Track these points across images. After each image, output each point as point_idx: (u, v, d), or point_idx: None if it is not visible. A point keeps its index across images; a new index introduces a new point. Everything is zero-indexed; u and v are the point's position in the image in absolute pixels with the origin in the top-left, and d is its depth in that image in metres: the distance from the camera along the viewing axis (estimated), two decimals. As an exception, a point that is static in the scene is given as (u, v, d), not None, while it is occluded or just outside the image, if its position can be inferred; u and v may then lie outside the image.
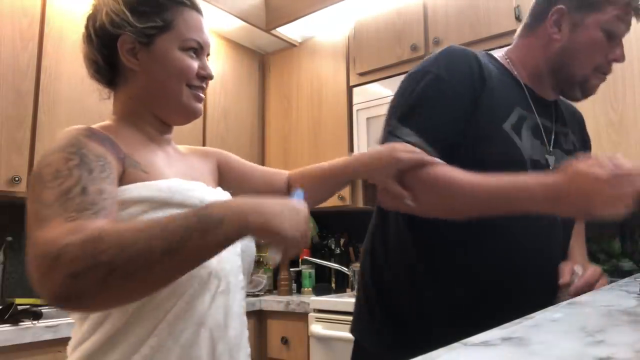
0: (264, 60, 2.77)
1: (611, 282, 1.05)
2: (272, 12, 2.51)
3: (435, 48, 2.08)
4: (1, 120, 1.71)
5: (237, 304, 0.79)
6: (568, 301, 0.73)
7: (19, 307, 1.52)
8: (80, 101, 1.96)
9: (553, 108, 1.01)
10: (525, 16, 1.97)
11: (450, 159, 0.84)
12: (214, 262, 0.72)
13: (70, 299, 0.56)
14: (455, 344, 0.46)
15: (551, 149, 0.94)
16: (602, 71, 0.97)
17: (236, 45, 2.62)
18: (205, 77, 0.83)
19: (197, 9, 0.84)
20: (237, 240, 0.63)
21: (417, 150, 0.83)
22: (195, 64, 0.80)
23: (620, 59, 0.96)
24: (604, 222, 1.93)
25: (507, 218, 0.79)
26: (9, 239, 1.93)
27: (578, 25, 0.94)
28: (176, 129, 0.90)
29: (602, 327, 0.53)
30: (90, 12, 0.84)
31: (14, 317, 1.47)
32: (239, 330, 0.79)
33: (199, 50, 0.82)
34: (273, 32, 2.53)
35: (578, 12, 0.93)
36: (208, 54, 0.86)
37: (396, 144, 0.85)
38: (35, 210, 0.62)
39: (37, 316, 1.48)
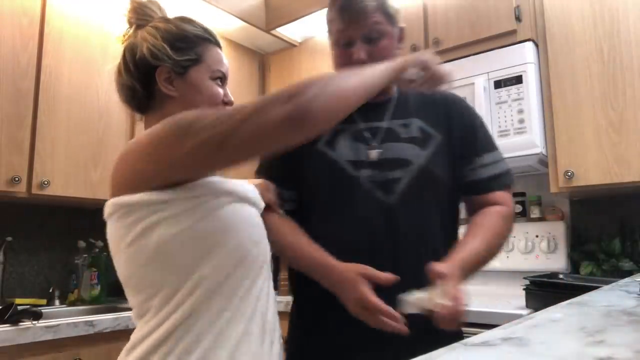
0: (264, 60, 2.77)
1: (611, 282, 1.05)
2: (272, 12, 2.51)
3: (435, 48, 2.07)
4: (1, 120, 1.71)
5: (272, 290, 0.92)
6: (568, 301, 0.73)
7: (19, 307, 1.52)
8: (80, 101, 1.96)
9: (386, 107, 1.06)
10: (525, 16, 1.98)
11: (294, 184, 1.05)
12: (267, 250, 0.88)
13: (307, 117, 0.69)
14: (456, 344, 0.46)
15: (378, 144, 1.01)
16: None
17: (236, 46, 2.62)
18: (227, 103, 0.94)
19: (219, 45, 0.97)
20: None
21: (271, 189, 1.02)
22: (221, 91, 0.93)
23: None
24: (603, 222, 1.93)
25: (345, 204, 0.98)
26: (9, 239, 1.93)
27: None
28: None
29: (602, 327, 0.53)
30: (127, 44, 0.94)
31: (14, 317, 1.46)
32: (275, 313, 0.90)
33: (223, 79, 0.95)
34: (273, 32, 2.53)
35: None
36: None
37: (266, 182, 1.03)
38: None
39: (37, 316, 1.48)
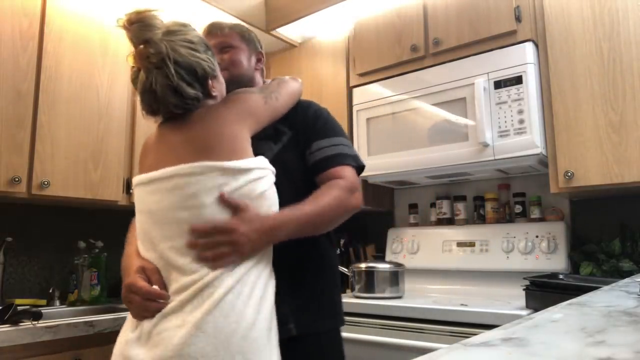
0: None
1: (611, 282, 1.05)
2: (272, 12, 2.51)
3: (435, 48, 2.07)
4: (1, 120, 1.71)
5: None
6: (568, 302, 0.73)
7: (19, 308, 1.52)
8: (80, 101, 1.96)
9: (290, 113, 1.26)
10: (525, 16, 1.99)
11: None
12: None
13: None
14: (456, 345, 0.46)
15: (274, 144, 1.23)
16: None
17: (236, 46, 2.62)
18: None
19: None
20: None
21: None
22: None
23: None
24: (603, 223, 1.93)
25: None
26: (9, 239, 1.93)
27: None
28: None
29: (602, 328, 0.53)
30: (184, 61, 1.03)
31: (14, 317, 1.46)
32: None
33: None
34: (273, 32, 2.53)
35: None
36: None
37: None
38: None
39: (37, 317, 1.48)
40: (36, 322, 1.47)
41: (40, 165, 1.80)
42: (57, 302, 2.04)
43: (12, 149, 1.73)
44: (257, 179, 1.03)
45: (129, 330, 1.01)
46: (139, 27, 1.00)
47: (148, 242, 1.03)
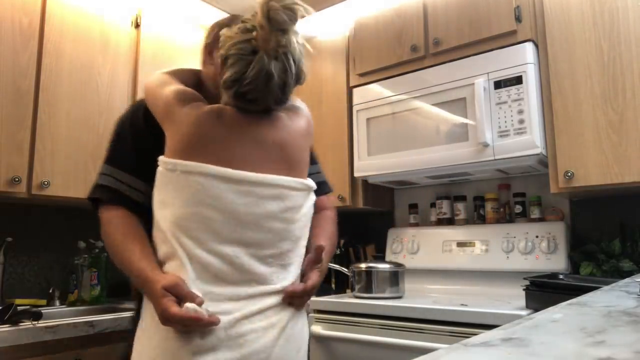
0: (264, 61, 2.77)
1: (611, 282, 1.05)
2: (272, 12, 2.50)
3: (435, 48, 2.07)
4: (1, 120, 1.71)
5: None
6: (568, 302, 0.73)
7: (19, 308, 1.52)
8: (81, 101, 1.96)
9: None
10: (525, 16, 1.99)
11: None
12: None
13: None
14: (456, 345, 0.46)
15: None
16: None
17: (236, 46, 2.62)
18: None
19: None
20: None
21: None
22: None
23: None
24: (603, 223, 1.93)
25: None
26: (9, 239, 1.93)
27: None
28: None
29: (602, 328, 0.53)
30: (300, 63, 1.01)
31: (14, 317, 1.46)
32: None
33: None
34: (273, 32, 2.53)
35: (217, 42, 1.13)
36: None
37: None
38: None
39: (37, 317, 1.48)
40: (36, 322, 1.47)
41: (40, 165, 1.80)
42: (57, 302, 2.04)
43: (12, 149, 1.73)
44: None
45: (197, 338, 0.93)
46: (288, 15, 0.95)
47: (210, 241, 0.96)
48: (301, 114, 1.13)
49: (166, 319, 0.89)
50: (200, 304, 0.90)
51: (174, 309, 0.88)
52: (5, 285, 1.94)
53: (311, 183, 1.09)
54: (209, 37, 1.20)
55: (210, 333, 0.91)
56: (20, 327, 1.44)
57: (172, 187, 0.98)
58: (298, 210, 1.04)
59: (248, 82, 0.97)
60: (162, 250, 0.99)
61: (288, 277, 1.02)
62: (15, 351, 1.41)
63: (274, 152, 1.03)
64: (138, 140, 1.13)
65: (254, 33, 0.96)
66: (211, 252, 0.96)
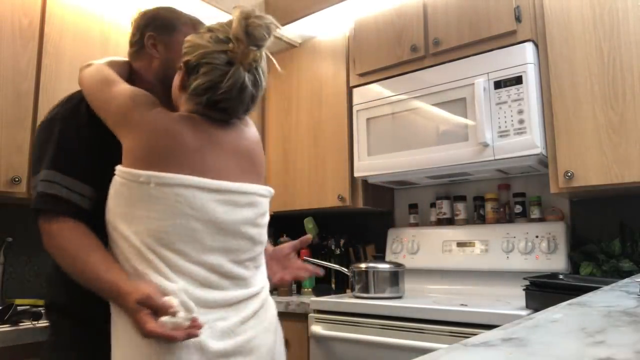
0: (264, 61, 2.77)
1: (611, 282, 1.05)
2: (272, 12, 2.49)
3: (435, 48, 2.07)
4: (1, 120, 1.71)
5: None
6: (568, 302, 0.73)
7: (19, 308, 1.52)
8: (80, 101, 1.96)
9: None
10: (525, 16, 1.99)
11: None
12: None
13: None
14: (456, 345, 0.46)
15: None
16: None
17: (236, 46, 2.62)
18: None
19: None
20: None
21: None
22: None
23: None
24: (603, 223, 1.93)
25: None
26: (9, 239, 1.93)
27: (168, 44, 1.18)
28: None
29: (602, 328, 0.53)
30: (265, 75, 1.11)
31: (14, 317, 1.46)
32: None
33: None
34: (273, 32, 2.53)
35: (164, 34, 1.18)
36: None
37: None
38: None
39: (37, 317, 1.48)
40: (36, 322, 1.47)
41: (40, 165, 1.80)
42: (57, 302, 2.04)
43: (12, 149, 1.73)
44: None
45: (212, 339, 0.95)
46: (266, 32, 1.05)
47: (194, 252, 0.96)
48: (250, 122, 1.18)
49: (144, 335, 0.88)
50: (174, 314, 0.89)
51: (150, 325, 0.87)
52: (5, 285, 1.94)
53: (272, 190, 1.16)
54: (148, 28, 1.18)
55: (219, 339, 0.95)
56: (20, 327, 1.43)
57: (145, 200, 0.95)
58: (265, 215, 1.12)
59: (222, 92, 1.00)
60: (134, 265, 0.95)
61: (262, 278, 1.11)
62: (15, 351, 1.41)
63: (244, 161, 1.08)
64: (82, 140, 1.06)
65: (230, 45, 1.00)
66: (196, 263, 0.96)
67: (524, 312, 1.50)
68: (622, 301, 0.72)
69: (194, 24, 1.22)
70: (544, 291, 1.50)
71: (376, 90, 2.23)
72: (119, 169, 0.99)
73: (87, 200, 1.04)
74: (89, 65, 1.15)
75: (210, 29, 1.05)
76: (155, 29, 1.19)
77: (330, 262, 2.35)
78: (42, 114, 1.83)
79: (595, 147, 1.71)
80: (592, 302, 0.71)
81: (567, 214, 2.06)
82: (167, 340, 0.88)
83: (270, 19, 1.04)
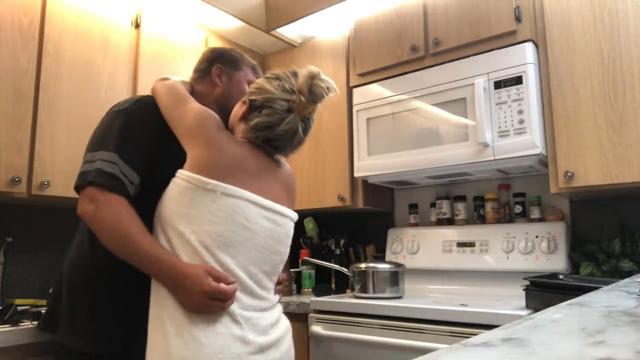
0: (264, 61, 2.77)
1: (611, 282, 1.05)
2: (272, 12, 2.51)
3: (435, 48, 2.08)
4: (1, 120, 1.71)
5: None
6: (568, 302, 0.73)
7: (19, 308, 1.52)
8: (81, 101, 1.95)
9: None
10: (525, 16, 1.99)
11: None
12: None
13: None
14: (456, 345, 0.46)
15: None
16: None
17: (236, 46, 2.62)
18: None
19: None
20: None
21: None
22: None
23: None
24: (603, 223, 1.93)
25: None
26: (9, 239, 1.93)
27: (231, 77, 1.41)
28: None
29: (602, 328, 0.53)
30: (313, 118, 1.28)
31: (14, 317, 1.46)
32: None
33: None
34: (273, 32, 2.53)
35: (229, 69, 1.41)
36: None
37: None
38: None
39: (37, 317, 1.48)
40: (36, 322, 1.47)
41: (40, 165, 1.80)
42: (57, 302, 2.04)
43: (12, 149, 1.73)
44: None
45: (234, 328, 1.08)
46: (325, 92, 1.19)
47: (241, 258, 1.11)
48: (285, 161, 1.35)
49: (205, 293, 1.01)
50: (233, 284, 1.07)
51: (213, 283, 1.03)
52: (5, 285, 1.94)
53: (297, 216, 1.30)
54: (217, 61, 1.40)
55: (257, 335, 1.10)
56: (20, 327, 1.44)
57: (208, 205, 1.09)
58: (291, 237, 1.26)
59: (278, 134, 1.19)
60: (187, 262, 1.09)
61: (274, 290, 1.26)
62: (15, 351, 1.41)
63: (284, 189, 1.26)
64: (147, 139, 1.21)
65: (293, 96, 1.18)
66: (242, 269, 1.11)
67: (524, 312, 1.50)
68: (622, 301, 0.72)
69: (253, 67, 1.46)
70: (544, 291, 1.50)
71: (376, 90, 2.23)
72: (184, 173, 1.12)
73: (134, 189, 1.16)
74: (166, 79, 1.34)
75: (278, 77, 1.22)
76: (223, 63, 1.41)
77: (330, 262, 2.35)
78: (42, 114, 1.84)
79: (595, 147, 1.71)
80: (592, 302, 0.71)
81: (567, 214, 2.06)
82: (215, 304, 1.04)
83: (330, 82, 1.21)
